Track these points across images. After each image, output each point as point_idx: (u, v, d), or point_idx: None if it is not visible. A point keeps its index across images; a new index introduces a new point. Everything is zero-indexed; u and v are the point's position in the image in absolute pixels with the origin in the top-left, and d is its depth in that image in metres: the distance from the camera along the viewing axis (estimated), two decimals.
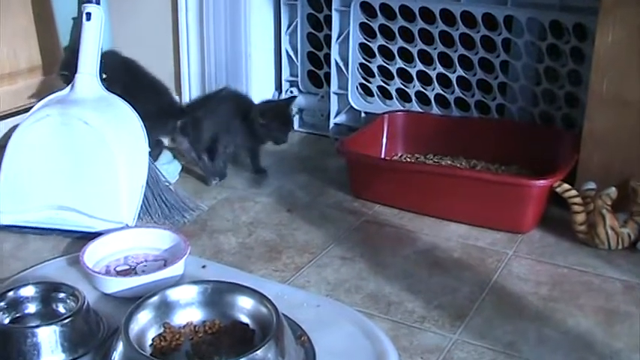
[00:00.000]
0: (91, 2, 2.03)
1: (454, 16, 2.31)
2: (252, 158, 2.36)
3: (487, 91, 2.38)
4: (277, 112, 2.28)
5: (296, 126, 2.72)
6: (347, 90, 2.55)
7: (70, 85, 2.03)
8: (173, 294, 1.50)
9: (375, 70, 2.50)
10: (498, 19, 2.26)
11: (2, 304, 1.51)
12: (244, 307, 1.48)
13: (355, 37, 2.48)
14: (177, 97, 2.33)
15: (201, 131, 2.25)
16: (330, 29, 2.55)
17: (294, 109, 2.56)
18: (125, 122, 2.00)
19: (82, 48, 2.01)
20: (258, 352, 1.31)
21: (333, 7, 2.51)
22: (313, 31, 2.65)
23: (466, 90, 2.40)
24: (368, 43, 2.48)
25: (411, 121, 2.41)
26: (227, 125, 2.27)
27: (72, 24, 2.12)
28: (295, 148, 2.49)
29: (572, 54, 2.21)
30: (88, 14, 2.01)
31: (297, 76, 2.71)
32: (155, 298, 1.47)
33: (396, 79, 2.48)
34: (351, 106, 2.56)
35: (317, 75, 2.70)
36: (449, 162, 2.32)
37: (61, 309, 1.53)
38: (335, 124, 2.62)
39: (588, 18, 2.11)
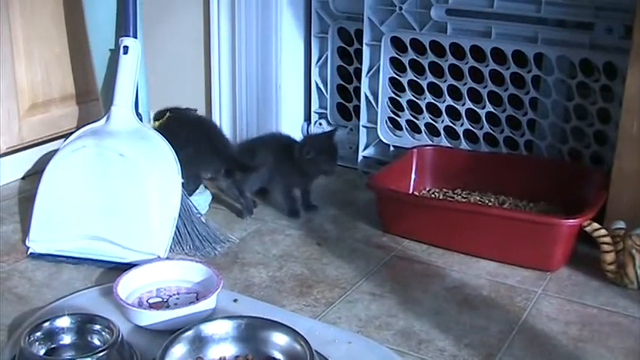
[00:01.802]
0: (128, 36, 2.07)
1: (484, 52, 2.33)
2: (303, 195, 2.35)
3: (516, 128, 2.39)
4: (323, 144, 2.27)
5: None
6: (376, 123, 2.57)
7: (105, 117, 2.07)
8: (207, 329, 1.51)
9: (405, 105, 2.52)
10: (528, 56, 2.28)
11: (38, 334, 1.52)
12: (278, 343, 1.50)
13: (385, 71, 2.50)
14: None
15: (250, 177, 2.28)
16: (361, 63, 2.57)
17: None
18: (159, 155, 2.03)
19: (119, 81, 2.05)
20: None
21: (363, 41, 2.53)
22: (343, 64, 2.67)
23: (495, 126, 2.41)
24: (398, 78, 2.50)
25: (439, 156, 2.42)
26: (278, 169, 2.28)
27: (109, 55, 2.14)
28: (324, 180, 2.50)
29: (602, 92, 2.22)
30: (126, 47, 2.05)
31: (326, 109, 2.73)
32: (189, 333, 1.49)
33: (425, 113, 2.50)
34: (380, 140, 2.58)
35: (346, 108, 2.72)
36: (477, 197, 2.33)
37: (96, 341, 1.54)
38: (363, 157, 2.64)
39: (618, 57, 2.12)
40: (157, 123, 2.17)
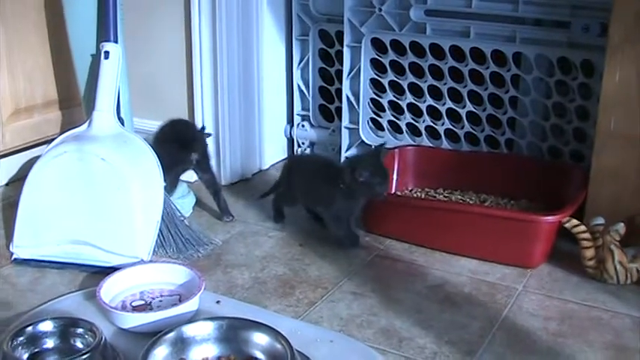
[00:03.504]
0: (109, 41, 2.08)
1: (464, 52, 2.35)
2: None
3: (496, 126, 2.41)
4: (374, 166, 2.05)
5: None
6: (358, 124, 2.58)
7: (87, 122, 2.08)
8: (189, 330, 1.53)
9: (386, 105, 2.53)
10: (507, 55, 2.30)
11: (21, 339, 1.53)
12: (259, 343, 1.51)
13: (366, 72, 2.52)
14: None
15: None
16: (342, 64, 2.58)
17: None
18: (141, 159, 2.04)
19: (100, 86, 2.06)
20: None
21: (344, 42, 2.54)
22: (325, 66, 2.69)
23: (476, 125, 2.43)
24: (379, 79, 2.51)
25: (421, 156, 2.44)
26: (321, 194, 2.15)
27: (90, 61, 2.15)
28: None
29: (580, 90, 2.24)
30: (107, 52, 2.06)
31: (308, 110, 2.75)
32: (172, 334, 1.51)
33: (407, 113, 2.51)
34: (362, 141, 2.59)
35: (328, 109, 2.74)
36: (459, 196, 2.35)
37: (79, 344, 1.55)
38: (346, 157, 2.65)
39: (595, 55, 2.14)
40: None
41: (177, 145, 2.18)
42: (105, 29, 2.10)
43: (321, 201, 2.15)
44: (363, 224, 2.22)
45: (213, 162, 2.41)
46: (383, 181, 2.05)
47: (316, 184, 2.16)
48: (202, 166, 2.28)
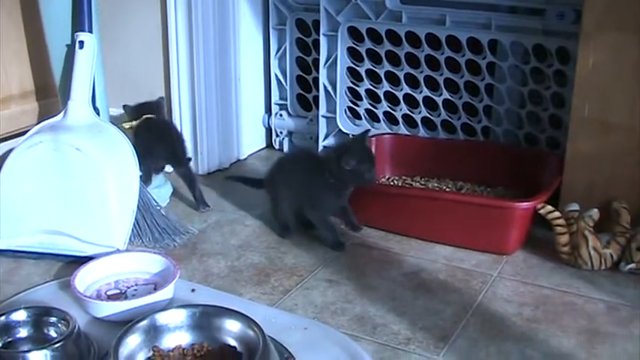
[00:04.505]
0: (84, 31, 2.07)
1: (439, 40, 2.35)
2: (343, 214, 2.10)
3: (473, 114, 2.42)
4: (361, 151, 2.01)
5: (285, 149, 2.78)
6: (335, 113, 2.59)
7: (62, 112, 2.07)
8: (162, 318, 1.52)
9: (363, 94, 2.54)
10: (483, 43, 2.30)
11: None
12: (232, 330, 1.51)
13: (343, 61, 2.52)
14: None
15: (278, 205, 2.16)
16: (319, 53, 2.58)
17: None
18: (116, 148, 2.04)
19: (75, 76, 2.05)
20: None
21: (321, 31, 2.54)
22: (302, 55, 2.69)
23: (452, 113, 2.44)
24: (356, 67, 2.51)
25: (398, 144, 2.44)
26: (305, 192, 2.07)
27: (66, 51, 2.14)
28: None
29: (556, 77, 2.25)
30: (81, 42, 2.06)
31: (286, 100, 2.75)
32: (144, 322, 1.50)
33: (384, 102, 2.52)
34: (340, 129, 2.60)
35: (306, 98, 2.74)
36: (435, 184, 2.35)
37: (53, 333, 1.55)
38: (324, 146, 2.65)
39: (570, 42, 2.15)
40: (127, 125, 2.21)
41: (154, 140, 2.20)
42: (80, 19, 2.09)
43: (309, 198, 2.07)
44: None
45: (190, 152, 2.41)
46: (371, 167, 2.00)
47: (300, 180, 2.08)
48: (178, 160, 2.27)
